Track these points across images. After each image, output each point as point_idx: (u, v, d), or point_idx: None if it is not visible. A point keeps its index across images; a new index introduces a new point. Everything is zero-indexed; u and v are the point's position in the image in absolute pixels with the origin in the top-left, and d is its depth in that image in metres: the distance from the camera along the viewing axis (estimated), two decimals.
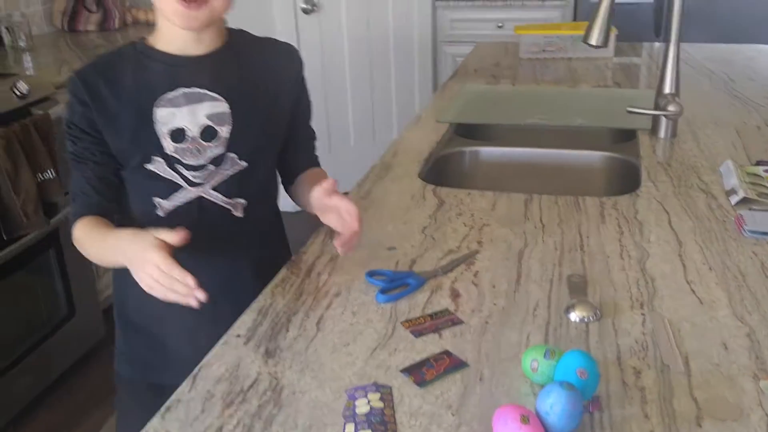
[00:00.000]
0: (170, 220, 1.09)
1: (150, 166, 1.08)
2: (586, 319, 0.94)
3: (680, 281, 1.02)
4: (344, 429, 0.76)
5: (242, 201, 1.14)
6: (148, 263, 0.89)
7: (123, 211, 1.13)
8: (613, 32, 2.40)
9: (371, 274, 1.06)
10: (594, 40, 1.48)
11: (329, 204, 1.03)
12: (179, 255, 0.91)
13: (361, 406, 0.79)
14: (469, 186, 1.46)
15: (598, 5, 1.49)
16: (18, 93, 2.14)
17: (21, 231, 2.10)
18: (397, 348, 0.90)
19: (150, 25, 3.33)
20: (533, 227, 1.21)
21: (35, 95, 2.19)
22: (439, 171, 1.59)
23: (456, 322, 0.95)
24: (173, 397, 0.83)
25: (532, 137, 1.79)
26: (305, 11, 3.40)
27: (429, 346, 0.90)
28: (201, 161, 1.10)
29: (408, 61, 3.69)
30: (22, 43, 2.85)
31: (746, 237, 1.13)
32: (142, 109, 1.07)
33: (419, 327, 0.94)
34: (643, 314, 0.95)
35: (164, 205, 1.11)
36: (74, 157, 1.09)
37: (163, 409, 0.81)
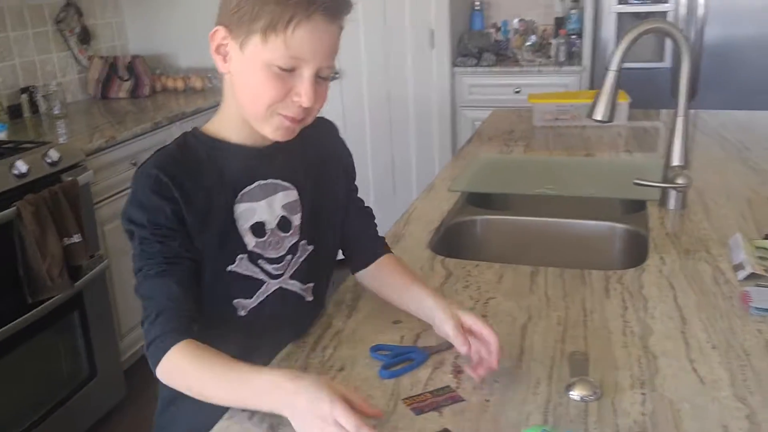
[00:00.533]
0: (251, 318, 1.08)
1: (234, 267, 1.05)
2: (585, 399, 0.94)
3: (683, 360, 1.03)
4: None
5: (312, 285, 1.15)
6: (328, 423, 0.80)
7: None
8: (626, 100, 2.45)
9: (376, 349, 1.08)
10: (599, 115, 1.52)
11: (474, 329, 1.01)
12: (259, 344, 1.00)
13: None
14: (479, 254, 1.48)
15: (603, 81, 1.52)
16: (49, 161, 2.23)
17: (46, 294, 2.16)
18: (397, 426, 0.91)
19: (178, 92, 3.46)
20: (538, 301, 1.23)
21: (66, 162, 2.29)
22: (450, 240, 1.61)
23: (457, 399, 0.96)
24: None
25: (543, 206, 1.81)
26: None
27: (429, 424, 0.91)
28: (281, 252, 1.09)
29: (427, 125, 3.76)
30: (56, 111, 2.97)
31: (753, 315, 1.13)
32: (226, 205, 1.04)
33: (420, 404, 0.95)
34: (643, 394, 0.95)
35: (247, 304, 1.08)
36: (164, 259, 0.98)
37: None
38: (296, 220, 1.10)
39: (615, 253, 1.62)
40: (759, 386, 0.95)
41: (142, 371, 2.81)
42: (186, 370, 0.92)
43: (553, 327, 1.14)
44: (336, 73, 3.53)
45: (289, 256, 1.10)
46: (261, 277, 1.08)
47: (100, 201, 2.54)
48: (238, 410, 0.95)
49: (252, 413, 0.95)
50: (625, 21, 3.49)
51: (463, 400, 0.96)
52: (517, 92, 3.74)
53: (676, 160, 1.60)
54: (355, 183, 1.24)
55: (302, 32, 0.94)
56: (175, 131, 3.00)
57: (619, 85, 1.53)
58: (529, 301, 1.23)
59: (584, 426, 0.89)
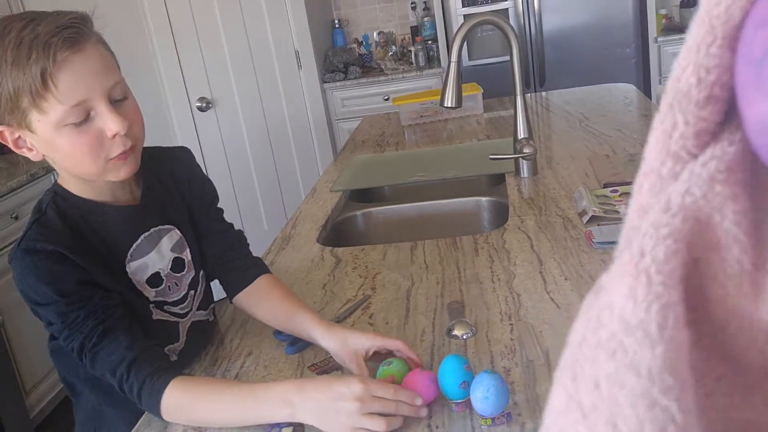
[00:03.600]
0: (184, 358, 1.13)
1: (154, 317, 1.07)
2: (464, 336, 1.09)
3: (541, 293, 1.20)
4: None
5: (212, 306, 1.22)
6: (365, 402, 0.85)
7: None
8: (479, 91, 2.67)
9: (278, 332, 1.19)
10: (449, 102, 1.70)
11: (379, 346, 1.01)
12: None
13: None
14: (365, 244, 1.62)
15: (446, 73, 1.71)
16: None
17: None
18: None
19: None
20: (418, 268, 1.38)
21: None
22: (338, 235, 1.74)
23: None
24: None
25: (417, 193, 1.98)
26: (200, 109, 3.56)
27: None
28: (182, 292, 1.12)
29: (307, 143, 3.89)
30: None
31: (595, 248, 1.33)
32: (119, 268, 1.03)
33: (324, 367, 1.07)
34: (511, 324, 1.11)
35: (176, 347, 1.11)
36: (96, 320, 0.95)
37: None
38: (187, 256, 1.13)
39: (483, 223, 1.81)
40: None
41: (53, 426, 2.76)
42: (191, 407, 0.93)
43: (433, 286, 1.29)
44: (209, 103, 3.60)
45: (192, 291, 1.14)
46: (174, 320, 1.11)
47: None
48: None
49: None
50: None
51: None
52: (386, 99, 3.94)
53: (522, 134, 1.81)
54: (219, 206, 1.23)
55: (63, 79, 0.89)
56: (54, 177, 2.98)
57: (461, 75, 1.71)
58: (411, 270, 1.37)
59: (465, 356, 1.04)
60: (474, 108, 2.65)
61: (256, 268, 1.19)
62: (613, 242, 1.32)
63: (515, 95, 1.81)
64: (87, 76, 0.91)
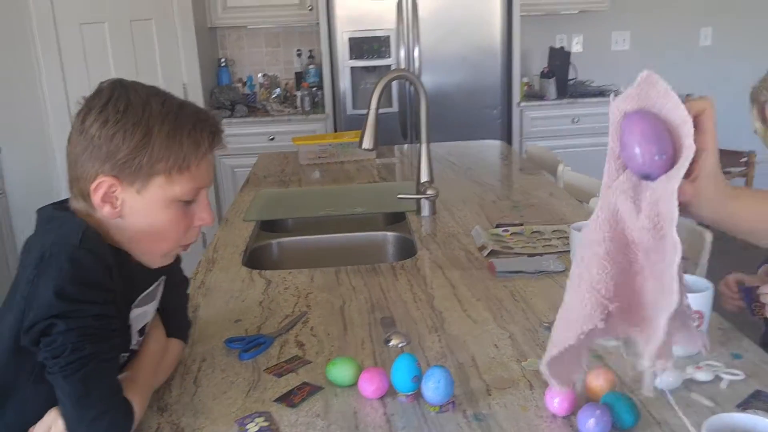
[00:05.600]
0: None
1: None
2: (400, 344, 1.26)
3: (459, 311, 1.40)
4: None
5: None
6: None
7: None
8: None
9: (229, 341, 1.30)
10: (367, 144, 1.89)
11: None
12: None
13: (252, 428, 1.03)
14: (282, 269, 1.74)
15: (366, 118, 1.91)
16: None
17: None
18: (266, 387, 1.14)
19: None
20: (346, 290, 1.53)
21: None
22: (256, 260, 1.86)
23: (306, 362, 1.22)
24: None
25: (324, 226, 2.13)
26: None
27: (290, 381, 1.16)
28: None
29: None
30: None
31: (498, 277, 1.56)
32: (125, 309, 1.05)
33: (279, 370, 1.20)
34: (438, 335, 1.30)
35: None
36: (113, 345, 0.99)
37: None
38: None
39: (388, 255, 2.00)
40: (512, 319, 1.35)
41: None
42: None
43: (363, 305, 1.45)
44: None
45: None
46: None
47: None
48: None
49: None
50: (357, 74, 4.03)
51: (311, 362, 1.22)
52: (272, 139, 4.08)
53: (425, 177, 2.03)
54: None
55: (203, 164, 1.02)
56: None
57: (377, 122, 1.92)
58: (340, 291, 1.53)
59: None
60: (367, 153, 2.86)
61: (179, 332, 1.23)
62: (513, 272, 1.56)
63: (421, 143, 2.04)
64: (211, 168, 1.05)
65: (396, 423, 1.03)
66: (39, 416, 0.99)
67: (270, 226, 2.12)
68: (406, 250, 1.90)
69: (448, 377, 1.04)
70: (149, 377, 1.09)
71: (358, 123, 3.95)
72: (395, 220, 2.13)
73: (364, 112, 3.99)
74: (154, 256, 1.07)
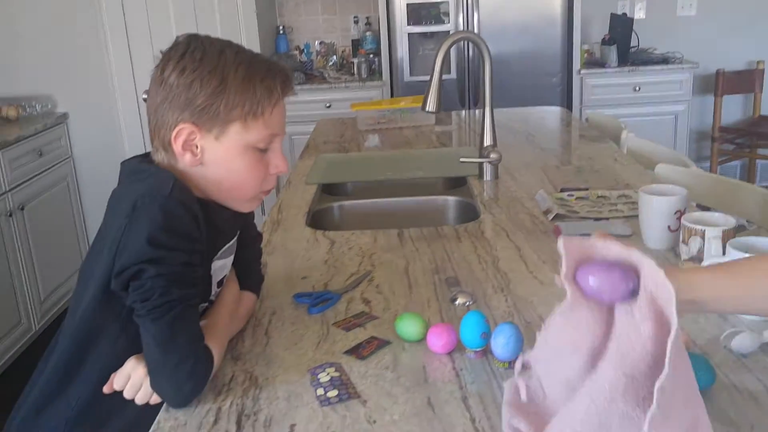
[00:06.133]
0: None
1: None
2: (467, 303, 1.27)
3: (525, 272, 1.39)
4: (315, 392, 1.01)
5: None
6: None
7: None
8: None
9: (298, 296, 1.32)
10: (430, 107, 1.88)
11: None
12: None
13: (323, 377, 1.05)
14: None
15: (430, 80, 1.89)
16: None
17: None
18: (335, 340, 1.17)
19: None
20: (409, 250, 1.54)
21: None
22: (318, 222, 1.88)
23: (373, 317, 1.24)
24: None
25: (384, 190, 2.14)
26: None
27: (358, 335, 1.18)
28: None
29: None
30: None
31: None
32: (208, 260, 1.08)
33: (347, 324, 1.22)
34: (504, 295, 1.30)
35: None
36: (197, 293, 1.02)
37: (165, 405, 1.01)
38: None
39: (448, 219, 2.00)
40: None
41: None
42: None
43: (427, 265, 1.46)
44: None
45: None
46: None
47: None
48: None
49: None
50: (414, 40, 4.00)
51: (378, 317, 1.24)
52: (328, 107, 4.09)
53: (488, 141, 2.02)
54: None
55: (277, 110, 1.05)
56: (0, 161, 2.94)
57: (441, 85, 1.90)
58: (403, 252, 1.54)
59: None
60: (426, 119, 2.85)
61: (252, 286, 1.26)
62: (579, 235, 1.53)
63: (485, 106, 2.01)
64: (284, 117, 1.08)
65: (465, 377, 1.04)
66: (123, 360, 1.03)
67: (331, 190, 2.14)
68: (468, 214, 1.89)
69: (518, 334, 1.04)
70: (226, 327, 1.12)
71: (416, 90, 3.95)
72: (455, 185, 2.12)
73: (421, 78, 4.06)
74: (238, 202, 1.10)
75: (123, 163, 1.10)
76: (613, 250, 0.80)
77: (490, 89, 2.01)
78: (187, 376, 0.98)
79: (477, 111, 3.30)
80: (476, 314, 1.09)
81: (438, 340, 1.09)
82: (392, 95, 4.10)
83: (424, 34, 4.00)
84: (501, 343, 1.04)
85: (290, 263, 1.51)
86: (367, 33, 4.49)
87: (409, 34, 3.97)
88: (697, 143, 4.46)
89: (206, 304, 1.13)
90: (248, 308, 1.24)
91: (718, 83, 4.21)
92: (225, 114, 1.01)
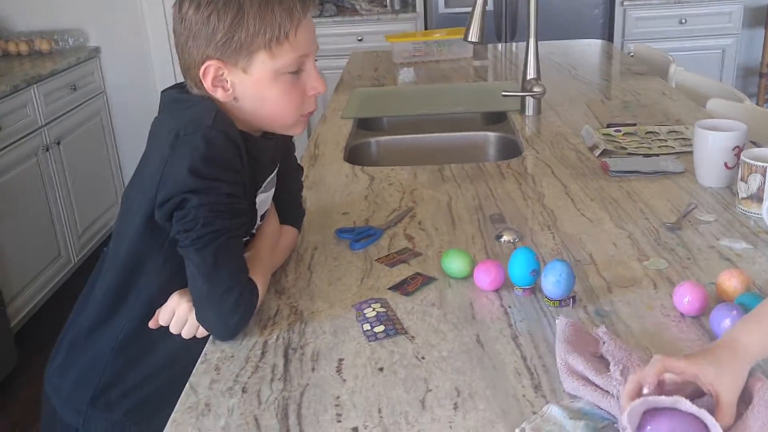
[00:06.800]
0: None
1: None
2: (513, 240, 1.23)
3: (572, 209, 1.35)
4: (362, 327, 1.00)
5: None
6: None
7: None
8: None
9: (340, 231, 1.30)
10: (473, 37, 1.81)
11: None
12: None
13: (369, 312, 1.03)
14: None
15: (473, 8, 1.81)
16: None
17: None
18: (378, 276, 1.15)
19: (23, 56, 3.32)
20: (451, 186, 1.50)
21: None
22: (355, 157, 1.84)
23: (417, 254, 1.21)
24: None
25: (421, 126, 2.08)
26: None
27: (403, 271, 1.15)
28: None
29: None
30: None
31: (612, 176, 1.49)
32: (252, 193, 1.06)
33: (391, 260, 1.19)
34: (551, 233, 1.26)
35: None
36: (242, 224, 1.01)
37: (211, 338, 1.00)
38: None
39: (489, 156, 1.95)
40: (629, 219, 1.29)
41: (35, 336, 2.79)
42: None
43: (470, 201, 1.42)
44: None
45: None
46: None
47: None
48: None
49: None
50: None
51: (422, 254, 1.21)
52: (360, 40, 4.00)
53: (531, 74, 1.94)
54: None
55: (303, 31, 0.98)
56: (36, 94, 2.93)
57: (485, 13, 1.82)
58: (445, 188, 1.50)
59: None
60: (463, 52, 2.77)
61: (293, 220, 1.24)
62: (628, 172, 1.48)
63: (528, 37, 1.93)
64: (311, 34, 1.01)
65: (514, 315, 1.01)
66: (167, 291, 1.03)
67: (366, 125, 2.09)
68: (510, 150, 1.84)
69: (569, 271, 1.01)
70: (268, 259, 1.10)
71: (451, 22, 3.83)
72: (496, 120, 2.06)
73: (457, 10, 3.93)
74: (281, 128, 1.07)
75: (163, 92, 1.07)
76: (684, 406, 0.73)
77: (535, 19, 1.92)
78: (233, 308, 0.97)
79: (514, 45, 3.19)
80: (526, 251, 1.05)
81: (486, 277, 1.06)
82: (426, 28, 3.99)
83: None
84: (552, 281, 1.01)
85: (330, 198, 1.49)
86: None
87: None
88: (744, 79, 4.28)
89: (248, 238, 1.12)
90: (290, 242, 1.22)
91: None
92: (247, 44, 0.96)
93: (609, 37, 3.91)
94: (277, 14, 0.96)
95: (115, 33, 3.56)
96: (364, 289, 1.11)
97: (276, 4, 0.96)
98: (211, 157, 0.94)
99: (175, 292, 1.02)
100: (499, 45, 3.31)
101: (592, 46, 2.94)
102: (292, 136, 1.20)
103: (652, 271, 1.11)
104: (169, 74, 3.62)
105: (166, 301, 1.03)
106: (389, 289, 1.10)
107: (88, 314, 1.10)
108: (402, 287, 1.10)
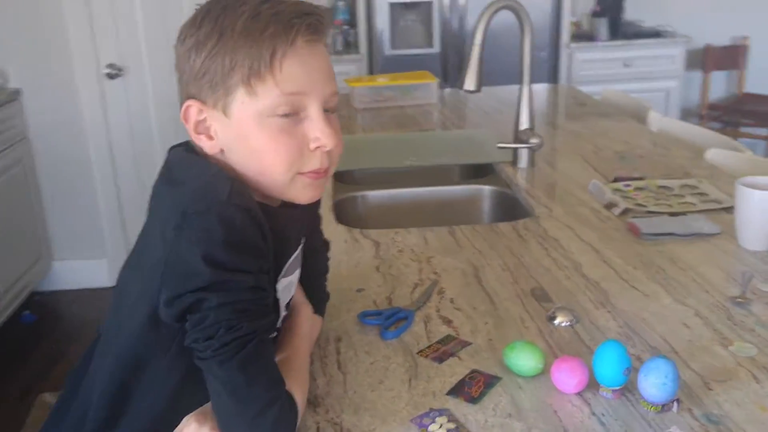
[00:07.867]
0: None
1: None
2: (570, 323, 1.07)
3: (619, 281, 1.20)
4: None
5: None
6: None
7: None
8: (433, 80, 2.66)
9: (364, 315, 1.10)
10: (469, 86, 1.66)
11: None
12: None
13: (435, 429, 0.83)
14: (369, 227, 1.53)
15: (470, 55, 1.67)
16: None
17: None
18: (429, 375, 0.95)
19: None
20: (471, 253, 1.33)
21: None
22: (341, 214, 1.64)
23: (465, 343, 1.02)
24: None
25: (402, 178, 1.91)
26: (110, 76, 3.24)
27: (455, 368, 0.96)
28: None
29: None
30: None
31: (646, 240, 1.35)
32: (273, 280, 0.85)
33: (437, 354, 1.00)
34: (608, 311, 1.10)
35: None
36: (271, 322, 0.82)
37: None
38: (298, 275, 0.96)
39: (484, 212, 1.79)
40: (688, 292, 1.15)
41: None
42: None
43: (500, 273, 1.25)
44: (119, 70, 3.27)
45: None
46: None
47: None
48: None
49: None
50: (396, 11, 3.75)
51: (470, 344, 1.03)
52: None
53: (525, 123, 1.81)
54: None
55: (292, 63, 0.79)
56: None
57: (482, 60, 1.68)
58: (465, 255, 1.32)
59: (583, 345, 1.01)
60: (427, 97, 2.63)
61: (318, 307, 1.05)
62: (662, 234, 1.36)
63: (522, 84, 1.81)
64: (313, 71, 0.81)
65: (611, 425, 0.84)
66: (175, 406, 0.80)
67: (341, 177, 1.89)
68: (507, 205, 1.69)
69: (676, 372, 0.85)
70: (306, 365, 0.89)
71: (397, 64, 3.71)
72: (480, 172, 1.91)
73: (405, 52, 3.80)
74: (279, 189, 0.84)
75: (170, 150, 0.87)
76: None
77: (528, 65, 1.80)
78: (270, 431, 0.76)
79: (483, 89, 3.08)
80: (616, 346, 0.89)
81: (570, 379, 0.89)
82: (370, 70, 3.86)
83: (405, 4, 3.76)
84: (656, 383, 0.84)
85: (335, 270, 1.27)
86: (340, 2, 4.21)
87: (390, 3, 3.72)
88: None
89: (275, 334, 0.90)
90: (317, 336, 1.01)
91: (707, 58, 4.11)
92: (223, 79, 0.79)
93: (554, 80, 3.90)
94: (261, 43, 0.78)
95: (39, 72, 3.22)
96: (416, 395, 0.91)
97: (259, 32, 0.78)
98: (231, 243, 0.74)
99: (191, 415, 0.79)
100: (446, 89, 3.20)
101: (554, 90, 2.87)
102: (318, 204, 1.00)
103: (743, 358, 0.96)
104: (99, 119, 3.31)
105: (174, 418, 0.80)
106: (448, 394, 0.91)
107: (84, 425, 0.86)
108: (463, 391, 0.91)
